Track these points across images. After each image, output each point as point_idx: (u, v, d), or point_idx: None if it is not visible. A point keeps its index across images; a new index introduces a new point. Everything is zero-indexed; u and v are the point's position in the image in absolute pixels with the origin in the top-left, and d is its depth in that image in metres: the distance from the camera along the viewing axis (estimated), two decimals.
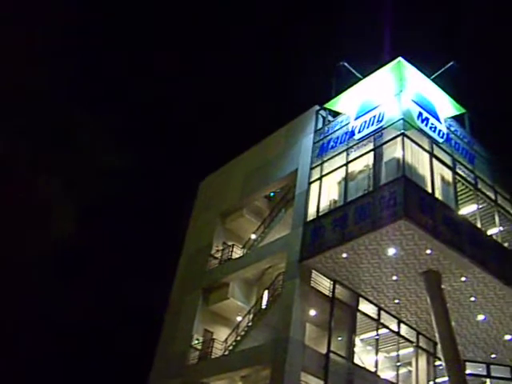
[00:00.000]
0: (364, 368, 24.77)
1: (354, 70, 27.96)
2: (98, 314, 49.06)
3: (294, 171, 27.54)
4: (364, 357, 25.93)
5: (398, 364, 26.52)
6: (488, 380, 28.99)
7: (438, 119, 25.20)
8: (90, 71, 62.94)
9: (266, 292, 27.98)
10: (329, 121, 27.66)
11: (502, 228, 26.26)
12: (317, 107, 28.45)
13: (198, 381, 26.47)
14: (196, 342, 28.00)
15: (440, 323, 22.78)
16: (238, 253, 30.02)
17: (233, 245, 30.45)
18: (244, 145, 32.33)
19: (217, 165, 34.73)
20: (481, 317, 25.81)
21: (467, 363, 27.95)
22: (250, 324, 27.31)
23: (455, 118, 27.07)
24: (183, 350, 27.92)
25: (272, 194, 31.02)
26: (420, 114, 24.37)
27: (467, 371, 27.14)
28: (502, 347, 27.74)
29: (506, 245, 26.14)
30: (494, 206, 26.38)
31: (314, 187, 25.83)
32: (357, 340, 25.51)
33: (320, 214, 24.72)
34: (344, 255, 23.11)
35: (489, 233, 25.69)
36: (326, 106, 27.63)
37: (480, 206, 25.73)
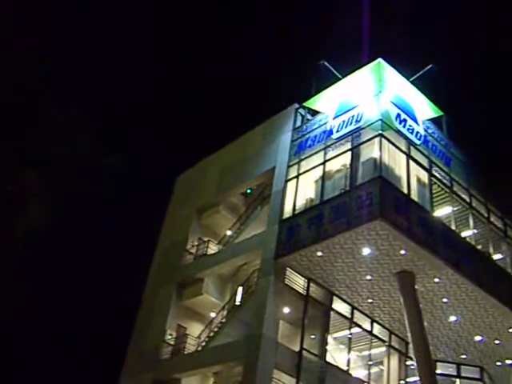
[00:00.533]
0: (336, 366, 24.87)
1: (334, 70, 27.96)
2: (90, 312, 48.65)
3: (271, 169, 27.50)
4: (336, 355, 26.03)
5: (370, 363, 26.69)
6: (458, 380, 29.34)
7: (415, 121, 25.34)
8: (89, 71, 62.56)
9: (240, 288, 27.91)
10: (307, 119, 27.65)
11: (475, 230, 26.55)
12: (296, 105, 28.43)
13: (169, 376, 26.42)
14: (169, 337, 27.91)
15: (412, 323, 22.96)
16: (213, 249, 29.94)
17: (208, 240, 30.34)
18: (224, 141, 32.19)
19: (196, 160, 34.53)
20: (453, 318, 26.07)
21: (438, 363, 28.25)
22: (223, 320, 27.31)
23: (433, 120, 27.28)
24: (156, 345, 27.83)
25: (249, 190, 30.91)
26: (398, 116, 24.47)
27: (438, 371, 27.36)
28: (472, 348, 28.07)
29: (479, 247, 26.47)
30: (469, 208, 26.65)
31: (291, 185, 25.84)
32: (330, 338, 25.60)
33: (296, 212, 24.76)
34: (319, 254, 23.16)
35: (463, 235, 25.93)
36: (305, 104, 27.61)
37: (455, 209, 25.97)
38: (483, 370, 29.32)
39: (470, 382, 29.49)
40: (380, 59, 25.08)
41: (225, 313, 27.86)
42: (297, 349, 23.49)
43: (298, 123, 27.82)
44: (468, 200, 26.78)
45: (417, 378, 22.54)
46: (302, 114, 28.11)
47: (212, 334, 27.12)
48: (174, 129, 65.31)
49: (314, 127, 26.61)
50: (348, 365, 25.43)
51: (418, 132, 25.13)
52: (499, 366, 29.10)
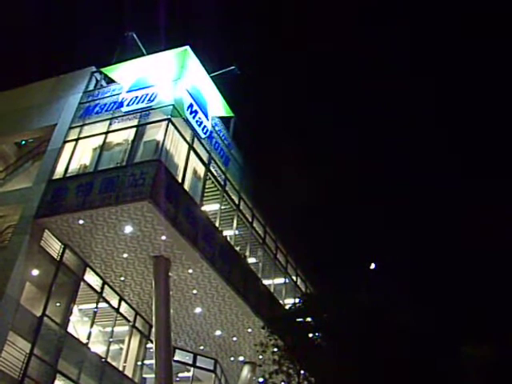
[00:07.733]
0: (76, 338, 24.44)
1: (140, 44, 27.50)
2: None
3: (52, 125, 26.06)
4: (79, 327, 25.65)
5: (111, 340, 26.66)
6: (192, 369, 30.52)
7: (206, 115, 25.86)
8: None
9: None
10: (102, 85, 26.81)
11: (237, 232, 27.97)
12: (93, 68, 27.28)
13: None
14: None
15: (159, 308, 23.39)
16: None
17: None
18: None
19: None
20: (198, 310, 27.09)
21: (177, 350, 29.20)
22: None
23: (223, 119, 28.16)
24: None
25: (23, 142, 29.11)
26: (190, 106, 24.81)
27: (175, 358, 28.27)
28: (211, 341, 29.41)
29: (237, 248, 27.84)
30: (236, 210, 27.98)
31: (69, 147, 24.87)
32: (75, 309, 25.14)
33: (67, 176, 23.97)
34: (81, 222, 22.60)
35: (225, 233, 27.12)
36: (103, 70, 26.69)
37: (223, 207, 27.12)
38: (217, 362, 30.86)
39: (204, 372, 30.92)
40: (187, 47, 25.17)
41: None
42: (39, 314, 22.61)
43: (91, 87, 26.82)
44: (237, 202, 28.11)
45: (154, 361, 22.96)
46: (97, 79, 27.10)
47: None
48: None
49: (105, 95, 25.89)
50: (88, 338, 25.10)
51: (205, 126, 25.70)
52: (232, 360, 30.86)
